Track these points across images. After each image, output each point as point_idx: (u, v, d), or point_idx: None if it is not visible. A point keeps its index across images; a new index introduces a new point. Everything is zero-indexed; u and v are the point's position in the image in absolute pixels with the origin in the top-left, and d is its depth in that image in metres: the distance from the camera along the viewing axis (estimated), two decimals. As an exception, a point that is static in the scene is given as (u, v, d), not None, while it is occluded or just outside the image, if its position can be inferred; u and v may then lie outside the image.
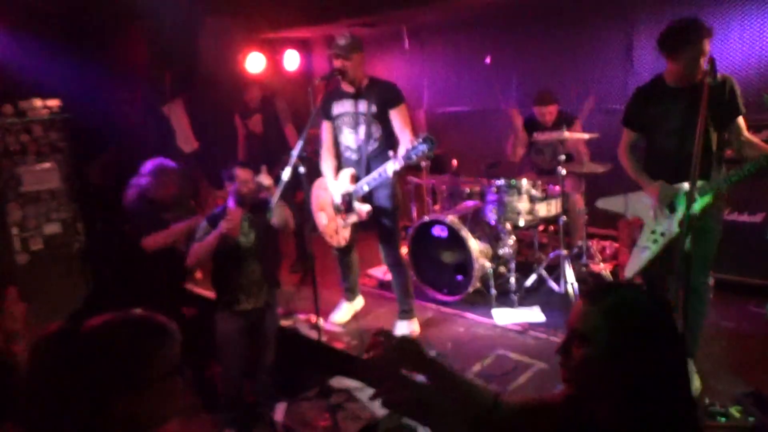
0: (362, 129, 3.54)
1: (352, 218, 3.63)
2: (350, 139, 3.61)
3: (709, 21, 4.08)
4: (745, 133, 2.83)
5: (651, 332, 1.16)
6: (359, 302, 4.17)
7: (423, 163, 4.92)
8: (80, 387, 1.13)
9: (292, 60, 6.39)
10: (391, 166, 3.28)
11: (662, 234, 2.90)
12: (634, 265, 3.00)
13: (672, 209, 2.86)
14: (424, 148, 3.08)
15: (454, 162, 4.82)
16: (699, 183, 2.59)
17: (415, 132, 3.37)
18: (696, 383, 2.88)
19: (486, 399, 1.40)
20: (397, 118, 3.47)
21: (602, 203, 3.27)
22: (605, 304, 1.19)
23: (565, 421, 1.29)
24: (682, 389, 1.19)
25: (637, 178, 2.99)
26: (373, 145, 3.53)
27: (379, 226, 3.67)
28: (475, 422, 1.35)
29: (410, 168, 4.94)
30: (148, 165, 3.70)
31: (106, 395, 1.14)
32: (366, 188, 3.50)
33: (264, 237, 3.21)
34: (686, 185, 2.66)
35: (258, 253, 3.17)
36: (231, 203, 3.13)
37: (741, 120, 2.82)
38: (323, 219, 3.85)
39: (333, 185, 3.69)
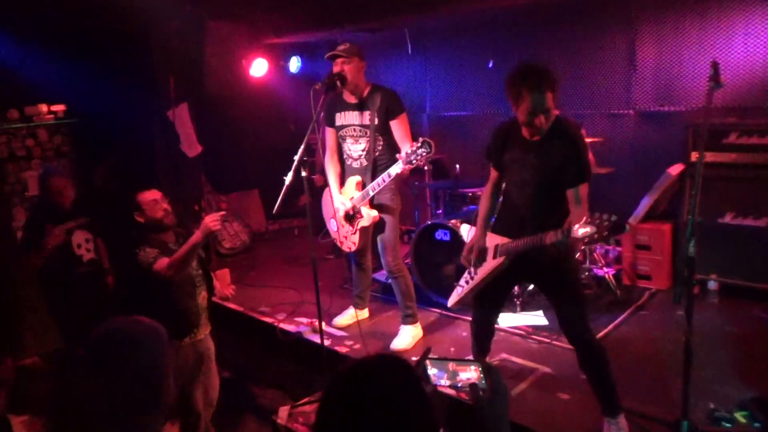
0: (366, 140, 3.59)
1: (361, 224, 3.67)
2: (354, 149, 3.67)
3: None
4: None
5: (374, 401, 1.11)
6: (365, 313, 4.17)
7: (426, 168, 4.92)
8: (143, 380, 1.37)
9: (295, 65, 6.42)
10: (395, 169, 3.34)
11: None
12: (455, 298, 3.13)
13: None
14: (423, 152, 3.17)
15: (457, 166, 4.82)
16: None
17: (415, 138, 3.39)
18: None
19: None
20: (397, 128, 3.52)
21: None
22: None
23: None
24: None
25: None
26: (375, 155, 3.59)
27: (379, 231, 3.71)
28: None
29: (414, 172, 4.95)
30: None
31: (164, 374, 1.42)
32: (371, 193, 3.55)
33: (203, 261, 3.01)
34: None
35: (203, 279, 2.96)
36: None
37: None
38: (333, 226, 3.88)
39: (338, 193, 3.73)
